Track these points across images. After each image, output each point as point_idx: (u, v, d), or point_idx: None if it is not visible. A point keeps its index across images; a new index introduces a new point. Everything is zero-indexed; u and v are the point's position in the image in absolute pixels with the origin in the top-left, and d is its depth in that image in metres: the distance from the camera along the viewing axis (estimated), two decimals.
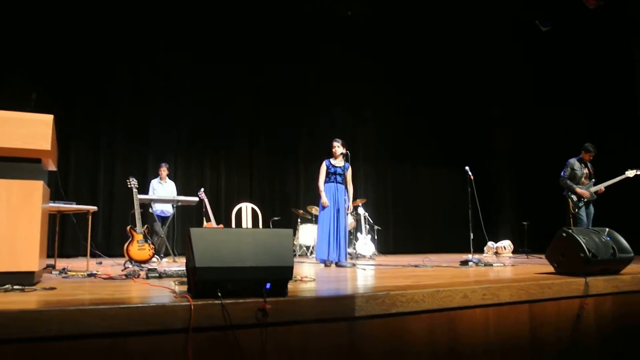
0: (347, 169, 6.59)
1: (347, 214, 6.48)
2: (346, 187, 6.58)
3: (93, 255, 6.53)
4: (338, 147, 6.55)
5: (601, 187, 7.20)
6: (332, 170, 6.54)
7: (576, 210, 7.23)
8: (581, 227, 6.83)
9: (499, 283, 3.25)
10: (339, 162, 6.58)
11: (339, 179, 6.51)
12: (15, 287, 2.92)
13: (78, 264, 5.88)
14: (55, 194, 4.94)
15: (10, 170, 3.11)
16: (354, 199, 9.14)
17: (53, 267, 5.02)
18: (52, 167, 3.64)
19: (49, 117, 3.18)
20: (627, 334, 3.64)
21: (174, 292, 2.86)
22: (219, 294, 2.39)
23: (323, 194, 6.52)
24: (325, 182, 6.56)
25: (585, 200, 7.21)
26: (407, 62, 12.28)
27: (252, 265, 2.53)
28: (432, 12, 11.16)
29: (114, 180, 9.52)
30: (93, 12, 9.42)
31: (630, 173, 7.18)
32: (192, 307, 2.30)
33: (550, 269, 4.14)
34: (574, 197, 7.24)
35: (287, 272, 2.61)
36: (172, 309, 2.31)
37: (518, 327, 3.20)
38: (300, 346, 2.53)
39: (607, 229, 4.10)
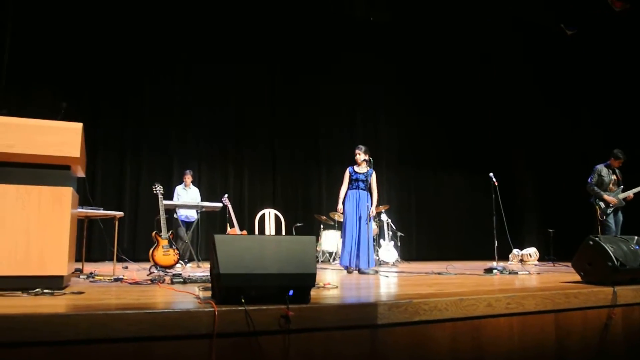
0: (370, 175, 6.58)
1: (370, 219, 6.46)
2: (370, 193, 6.58)
3: (119, 260, 6.64)
4: (360, 155, 6.57)
5: (630, 193, 7.07)
6: (355, 177, 6.55)
7: (604, 217, 7.10)
8: (609, 234, 6.71)
9: (523, 292, 3.21)
10: (362, 168, 6.59)
11: (361, 185, 6.51)
12: (44, 290, 2.99)
13: (104, 269, 5.99)
14: (83, 200, 5.06)
15: (41, 176, 3.19)
16: (378, 205, 9.12)
17: (80, 271, 5.13)
18: (81, 173, 3.73)
19: (79, 126, 3.27)
20: None
21: (198, 297, 2.90)
22: (243, 301, 2.42)
23: (340, 202, 6.61)
24: (349, 188, 6.58)
25: (613, 207, 7.07)
26: (429, 69, 12.26)
27: (275, 272, 2.55)
28: (454, 19, 11.11)
29: (139, 187, 9.69)
30: (117, 25, 9.66)
31: None
32: (216, 313, 2.33)
33: (577, 277, 4.07)
34: (602, 204, 7.12)
35: (310, 279, 2.62)
36: (197, 314, 2.34)
37: (543, 337, 3.15)
38: (322, 353, 2.53)
39: (636, 237, 4.02)
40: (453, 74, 12.35)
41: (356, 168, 6.61)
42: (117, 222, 5.61)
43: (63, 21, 9.19)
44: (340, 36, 11.43)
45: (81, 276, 4.66)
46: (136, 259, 8.18)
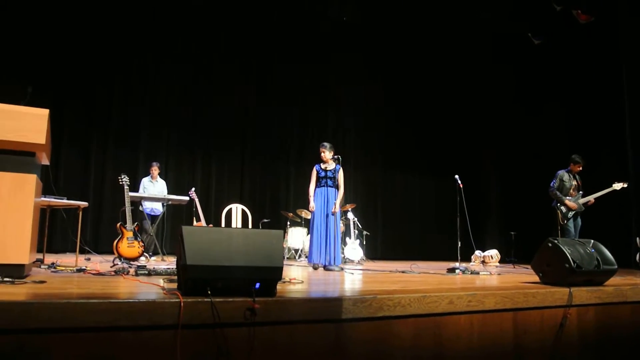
0: (337, 172, 6.62)
1: (334, 213, 6.46)
2: (337, 190, 6.61)
3: (82, 252, 6.53)
4: (325, 152, 6.60)
5: (591, 198, 7.32)
6: (323, 174, 6.58)
7: (565, 221, 7.32)
8: (568, 238, 6.92)
9: (484, 290, 3.29)
10: (329, 165, 6.62)
11: (329, 182, 6.55)
12: (5, 279, 2.93)
13: (66, 260, 5.86)
14: (46, 189, 4.94)
15: (4, 162, 3.12)
16: (344, 203, 9.19)
17: (41, 261, 5.02)
18: (46, 161, 3.65)
19: (45, 112, 3.20)
20: (609, 345, 3.70)
21: (163, 289, 2.88)
22: (209, 292, 2.42)
23: (311, 199, 6.59)
24: (317, 186, 6.60)
25: (574, 212, 7.31)
26: (399, 71, 12.40)
27: (242, 265, 2.56)
28: (423, 21, 11.28)
29: (104, 177, 9.52)
30: (86, 12, 9.44)
31: (617, 186, 7.31)
32: (182, 304, 2.32)
33: (536, 278, 4.20)
34: (563, 209, 7.34)
35: (276, 273, 2.64)
36: (162, 305, 2.33)
37: (502, 335, 3.25)
38: (287, 346, 2.55)
39: (592, 241, 4.16)
40: (423, 76, 12.51)
41: (323, 165, 6.64)
42: (80, 213, 5.51)
43: (31, 5, 8.93)
44: (314, 36, 11.47)
45: (42, 266, 4.56)
46: (99, 251, 8.04)
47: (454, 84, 12.68)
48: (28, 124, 3.12)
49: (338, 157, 6.59)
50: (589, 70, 10.50)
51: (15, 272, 3.08)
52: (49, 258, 5.71)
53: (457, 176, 7.53)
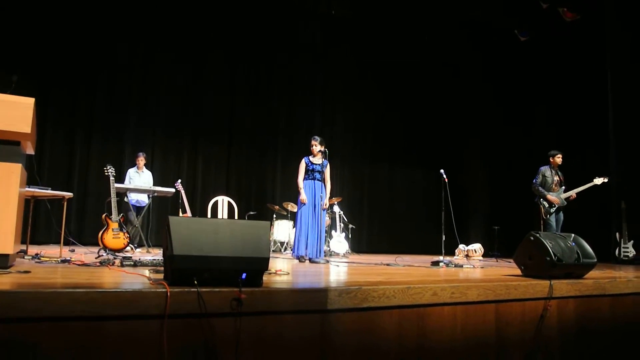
0: (325, 167, 6.65)
1: (324, 210, 6.55)
2: (324, 184, 6.65)
3: (66, 243, 6.47)
4: (316, 145, 6.62)
5: (572, 193, 7.44)
6: (311, 167, 6.60)
7: (547, 216, 7.44)
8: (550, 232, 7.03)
9: (467, 282, 3.35)
10: (317, 159, 6.65)
11: (317, 176, 6.57)
12: None
13: (50, 251, 5.82)
14: (30, 179, 4.89)
15: None
16: (331, 197, 9.22)
17: (25, 252, 4.98)
18: (31, 150, 3.62)
19: (30, 100, 3.17)
20: (588, 336, 3.79)
21: (149, 279, 2.89)
22: (195, 282, 2.43)
23: (302, 191, 6.57)
24: (304, 179, 6.62)
25: (556, 206, 7.42)
26: (387, 65, 12.42)
27: (229, 255, 2.57)
28: (412, 16, 11.31)
29: (88, 168, 9.44)
30: (73, 2, 9.31)
31: (598, 180, 7.44)
32: (169, 293, 2.33)
33: (518, 271, 4.27)
34: (546, 204, 7.45)
35: (263, 263, 2.66)
36: (149, 295, 2.34)
37: (484, 326, 3.31)
38: (273, 336, 2.58)
39: (573, 235, 4.24)
40: (410, 70, 12.57)
41: (312, 159, 6.66)
42: (65, 203, 5.47)
43: None
44: (303, 29, 11.46)
45: (26, 257, 4.53)
46: (83, 243, 7.99)
47: (441, 79, 12.76)
48: (13, 112, 3.10)
49: (325, 151, 6.61)
50: (574, 67, 10.63)
51: None
52: (33, 249, 5.67)
53: (442, 171, 7.58)
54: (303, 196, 6.54)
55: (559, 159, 7.58)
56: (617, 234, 8.91)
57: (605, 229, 9.24)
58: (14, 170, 3.13)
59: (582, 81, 10.44)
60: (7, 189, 3.09)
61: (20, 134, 3.15)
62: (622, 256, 8.68)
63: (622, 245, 8.76)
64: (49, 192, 5.24)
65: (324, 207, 6.55)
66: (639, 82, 9.09)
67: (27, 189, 4.86)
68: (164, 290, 2.34)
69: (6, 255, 3.11)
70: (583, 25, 10.10)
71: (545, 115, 11.22)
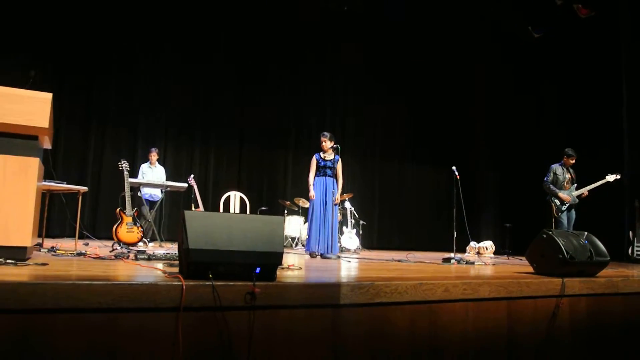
0: (337, 162, 6.66)
1: (335, 205, 6.56)
2: (336, 180, 6.67)
3: (80, 237, 6.55)
4: (326, 142, 6.63)
5: (584, 191, 7.38)
6: (322, 164, 6.62)
7: (559, 214, 7.39)
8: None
9: (479, 279, 3.35)
10: (329, 155, 6.66)
11: (329, 172, 6.59)
12: (8, 261, 2.97)
13: (65, 244, 5.90)
14: (45, 173, 4.96)
15: (8, 145, 3.14)
16: (342, 193, 9.24)
17: (41, 245, 5.06)
18: (48, 145, 3.68)
19: (48, 95, 3.22)
20: (599, 334, 3.78)
21: (164, 272, 2.93)
22: (210, 276, 2.47)
23: (311, 188, 6.59)
24: (316, 175, 6.63)
25: (568, 204, 7.38)
26: (398, 61, 12.38)
27: (243, 250, 2.61)
28: (423, 10, 11.25)
29: (102, 162, 9.54)
30: None
31: (610, 178, 7.38)
32: (184, 287, 2.37)
33: (530, 269, 4.27)
34: (557, 202, 7.41)
35: (277, 258, 2.69)
36: (165, 288, 2.37)
37: (496, 322, 3.31)
38: (286, 329, 2.61)
39: (586, 233, 4.22)
40: (422, 66, 12.52)
41: (323, 155, 6.68)
42: (80, 198, 5.54)
43: None
44: (314, 24, 11.43)
45: (42, 250, 4.60)
46: (97, 236, 8.08)
47: (453, 75, 12.69)
48: (32, 107, 3.15)
49: (337, 147, 6.63)
50: (587, 64, 10.53)
51: (17, 254, 3.11)
52: (48, 242, 5.75)
53: (454, 167, 7.56)
54: (312, 193, 6.57)
55: (572, 160, 7.51)
56: (630, 233, 8.85)
57: (619, 227, 9.17)
58: (32, 165, 3.19)
59: (596, 78, 10.34)
60: (25, 183, 3.14)
61: (38, 129, 3.20)
62: (635, 255, 8.63)
63: (636, 243, 8.70)
64: (65, 186, 5.31)
65: (336, 202, 6.57)
66: None
67: (44, 183, 4.93)
68: (179, 283, 2.38)
69: (24, 248, 3.17)
70: (597, 22, 10.00)
71: (557, 112, 11.14)
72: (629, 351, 3.95)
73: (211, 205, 9.83)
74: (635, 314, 4.03)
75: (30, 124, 3.15)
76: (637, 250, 8.63)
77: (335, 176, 6.65)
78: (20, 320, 2.17)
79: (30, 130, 3.19)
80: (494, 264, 6.02)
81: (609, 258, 4.13)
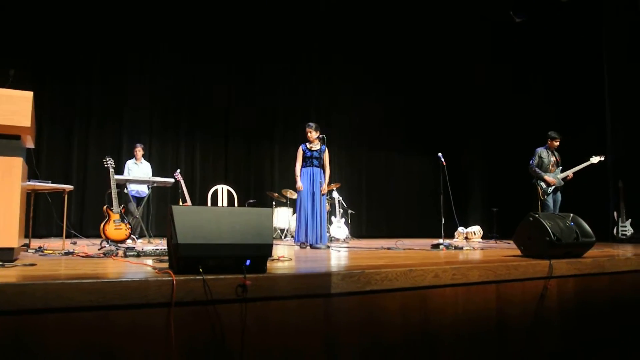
0: (323, 152, 6.67)
1: (323, 195, 6.57)
2: (323, 170, 6.67)
3: (68, 236, 6.50)
4: (311, 132, 6.63)
5: (569, 173, 7.48)
6: (309, 154, 6.61)
7: (545, 197, 7.48)
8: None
9: (468, 264, 3.38)
10: (315, 145, 6.66)
11: (315, 162, 6.59)
12: None
13: (52, 244, 5.85)
14: (29, 173, 4.91)
15: None
16: (330, 182, 9.25)
17: (28, 246, 5.01)
18: (31, 144, 3.64)
19: (29, 94, 3.18)
20: (587, 313, 3.84)
21: (154, 268, 2.92)
22: (201, 270, 2.46)
23: (298, 179, 6.59)
24: (303, 166, 6.63)
25: (553, 187, 7.46)
26: (384, 50, 12.38)
27: (233, 243, 2.60)
28: (408, 3, 11.24)
29: (87, 160, 9.45)
30: None
31: (595, 159, 7.48)
32: (175, 282, 2.37)
33: (518, 252, 4.32)
34: (543, 185, 7.49)
35: (266, 250, 2.69)
36: (155, 283, 2.37)
37: (485, 306, 3.35)
38: (278, 320, 2.62)
39: (572, 215, 4.28)
40: (407, 55, 12.54)
41: (309, 145, 6.68)
42: (66, 196, 5.49)
43: None
44: (299, 15, 11.38)
45: (29, 250, 4.56)
46: (84, 235, 8.02)
47: (437, 63, 12.72)
48: (12, 106, 3.10)
49: (323, 137, 6.63)
50: (570, 47, 10.61)
51: (4, 255, 3.08)
52: (35, 243, 5.70)
53: (440, 154, 7.60)
54: (299, 184, 6.57)
55: (556, 142, 7.59)
56: (615, 213, 8.98)
57: (603, 208, 9.30)
58: (16, 165, 3.15)
59: (579, 61, 10.43)
60: (9, 183, 3.10)
61: (20, 128, 3.16)
62: (620, 235, 8.76)
63: (620, 224, 8.83)
64: (50, 185, 5.26)
65: (323, 192, 6.58)
66: (635, 61, 9.09)
67: (29, 182, 4.88)
68: (169, 278, 2.37)
69: (11, 249, 3.14)
70: (579, 4, 10.06)
71: (543, 96, 11.22)
72: (617, 330, 4.02)
73: (198, 199, 9.80)
74: (621, 292, 4.10)
75: (11, 123, 3.10)
76: (622, 230, 8.77)
77: (322, 166, 6.65)
78: (12, 322, 2.15)
79: (12, 129, 3.15)
80: (482, 249, 6.08)
81: (594, 239, 4.19)
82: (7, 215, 3.09)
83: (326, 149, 6.71)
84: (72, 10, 9.34)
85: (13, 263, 3.06)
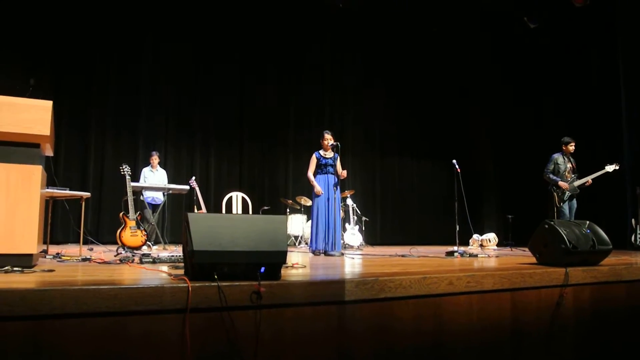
0: (336, 159, 6.68)
1: (338, 203, 6.54)
2: (337, 177, 6.67)
3: (84, 242, 6.58)
4: (330, 140, 6.64)
5: (589, 179, 7.38)
6: (324, 162, 6.62)
7: (560, 204, 7.41)
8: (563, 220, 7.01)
9: (482, 272, 3.37)
10: (329, 153, 6.68)
11: (330, 170, 6.59)
12: (14, 268, 2.99)
13: (69, 250, 5.92)
14: (48, 180, 4.99)
15: (10, 154, 3.16)
16: (342, 190, 9.26)
17: (46, 252, 5.08)
18: (50, 152, 3.70)
19: (49, 103, 3.25)
20: (603, 322, 3.79)
21: (170, 275, 2.95)
22: (216, 277, 2.48)
23: (316, 184, 6.58)
24: (318, 173, 6.63)
25: (570, 194, 7.39)
26: (397, 55, 12.39)
27: (248, 250, 2.62)
28: (422, 4, 11.23)
29: (103, 167, 9.57)
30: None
31: (610, 168, 7.40)
32: (190, 288, 2.39)
33: (533, 260, 4.29)
34: (559, 191, 7.42)
35: (281, 257, 2.71)
36: (171, 290, 2.39)
37: (500, 314, 3.33)
38: (292, 328, 2.63)
39: (588, 222, 4.24)
40: (421, 60, 12.53)
41: (323, 153, 6.69)
42: (83, 203, 5.56)
43: None
44: (312, 20, 11.44)
45: (47, 257, 4.63)
46: (100, 241, 8.11)
47: (452, 68, 12.70)
48: (32, 115, 3.17)
49: (337, 145, 6.62)
50: (585, 53, 10.53)
51: (23, 261, 3.14)
52: (53, 249, 5.78)
53: (454, 161, 7.57)
54: (317, 188, 6.53)
55: (572, 147, 7.53)
56: (633, 220, 8.85)
57: (620, 215, 9.18)
58: (35, 172, 3.21)
59: (593, 68, 10.35)
60: (29, 190, 3.16)
61: (39, 137, 3.22)
62: (637, 242, 8.64)
63: (638, 231, 8.70)
64: (68, 192, 5.33)
65: (343, 176, 6.58)
66: None
67: (47, 189, 4.95)
68: (185, 285, 2.40)
69: (30, 255, 3.19)
70: (593, 11, 9.99)
71: (555, 102, 11.14)
72: (633, 339, 3.96)
73: (213, 206, 9.86)
74: (639, 300, 4.05)
75: (31, 132, 3.17)
76: None
77: (336, 173, 6.65)
78: (31, 327, 2.20)
79: (32, 138, 3.21)
80: (497, 256, 6.04)
81: (611, 246, 4.15)
82: (26, 222, 3.15)
83: (338, 157, 6.72)
84: (90, 20, 9.49)
85: (32, 269, 3.12)
